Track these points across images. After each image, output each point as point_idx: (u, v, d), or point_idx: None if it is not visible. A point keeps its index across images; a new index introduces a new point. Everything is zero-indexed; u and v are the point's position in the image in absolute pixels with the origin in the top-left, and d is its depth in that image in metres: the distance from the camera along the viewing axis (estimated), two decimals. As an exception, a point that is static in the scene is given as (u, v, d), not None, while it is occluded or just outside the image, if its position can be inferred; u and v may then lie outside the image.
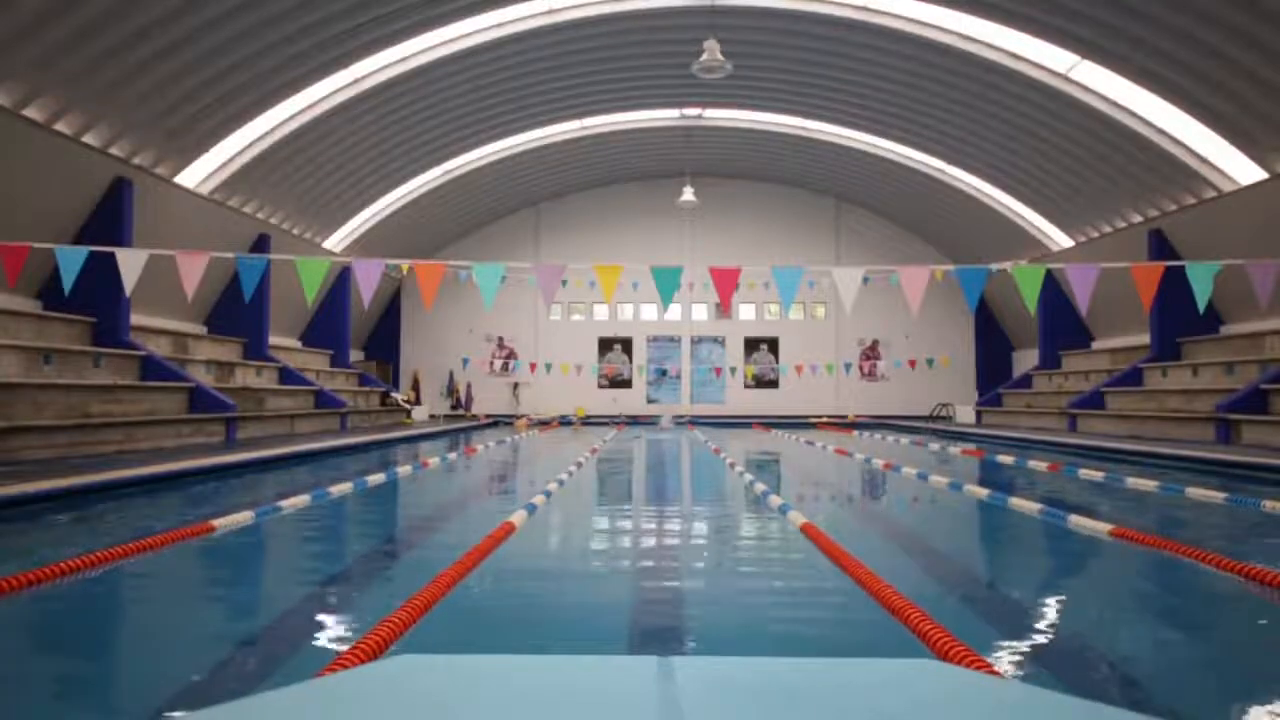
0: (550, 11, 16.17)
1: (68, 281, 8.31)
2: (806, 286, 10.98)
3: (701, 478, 11.30)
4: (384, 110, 17.64)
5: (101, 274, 9.32)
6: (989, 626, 3.79)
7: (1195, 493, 8.00)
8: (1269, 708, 2.85)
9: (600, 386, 28.08)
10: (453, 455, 13.85)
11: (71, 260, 8.30)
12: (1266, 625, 4.01)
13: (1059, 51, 15.31)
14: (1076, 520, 6.28)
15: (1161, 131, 15.90)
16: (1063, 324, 22.04)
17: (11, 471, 8.20)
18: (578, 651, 3.40)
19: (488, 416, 26.09)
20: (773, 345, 28.38)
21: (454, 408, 27.19)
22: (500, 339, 28.23)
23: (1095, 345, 21.90)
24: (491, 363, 27.72)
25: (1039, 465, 11.20)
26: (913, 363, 22.86)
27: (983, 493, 8.41)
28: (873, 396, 28.00)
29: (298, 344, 21.86)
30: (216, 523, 5.87)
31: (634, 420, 26.32)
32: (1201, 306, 9.17)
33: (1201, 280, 8.81)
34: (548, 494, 8.02)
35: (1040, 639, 3.60)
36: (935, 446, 15.64)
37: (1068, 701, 1.89)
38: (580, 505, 8.38)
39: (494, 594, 4.46)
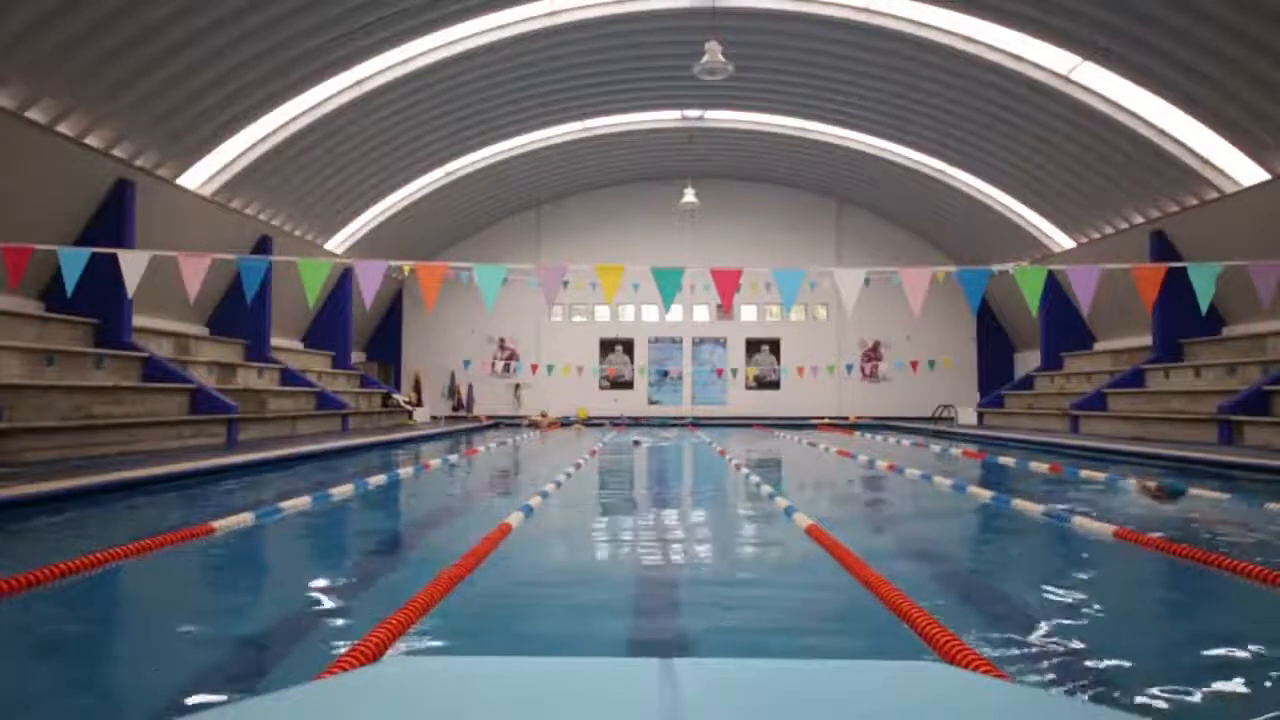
0: (552, 13, 16.18)
1: (70, 283, 8.32)
2: (808, 288, 10.88)
3: (705, 478, 11.29)
4: (386, 112, 17.65)
5: (104, 276, 9.33)
6: (992, 628, 3.78)
7: (1198, 494, 7.98)
8: (1271, 710, 2.84)
9: (602, 388, 28.08)
10: (453, 456, 13.85)
11: (74, 262, 8.31)
12: (1268, 625, 4.00)
13: (1060, 53, 15.31)
14: (1079, 521, 6.27)
15: (1163, 132, 15.89)
16: (1064, 325, 22.00)
17: (14, 473, 8.20)
18: (579, 653, 3.39)
19: (489, 418, 26.10)
20: (774, 346, 28.36)
21: (455, 409, 27.19)
22: (502, 340, 28.23)
23: (1097, 346, 21.87)
24: (493, 364, 27.72)
25: (1041, 466, 11.18)
26: (914, 364, 22.83)
27: (985, 494, 8.40)
28: (874, 398, 27.97)
29: (299, 345, 21.87)
30: (217, 524, 5.87)
31: (635, 421, 26.32)
32: (1204, 308, 9.15)
33: (1203, 281, 8.80)
34: (545, 495, 8.01)
35: (1044, 640, 3.59)
36: (937, 448, 15.62)
37: (1070, 703, 1.88)
38: (579, 507, 8.37)
39: (492, 595, 4.45)
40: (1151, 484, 7.57)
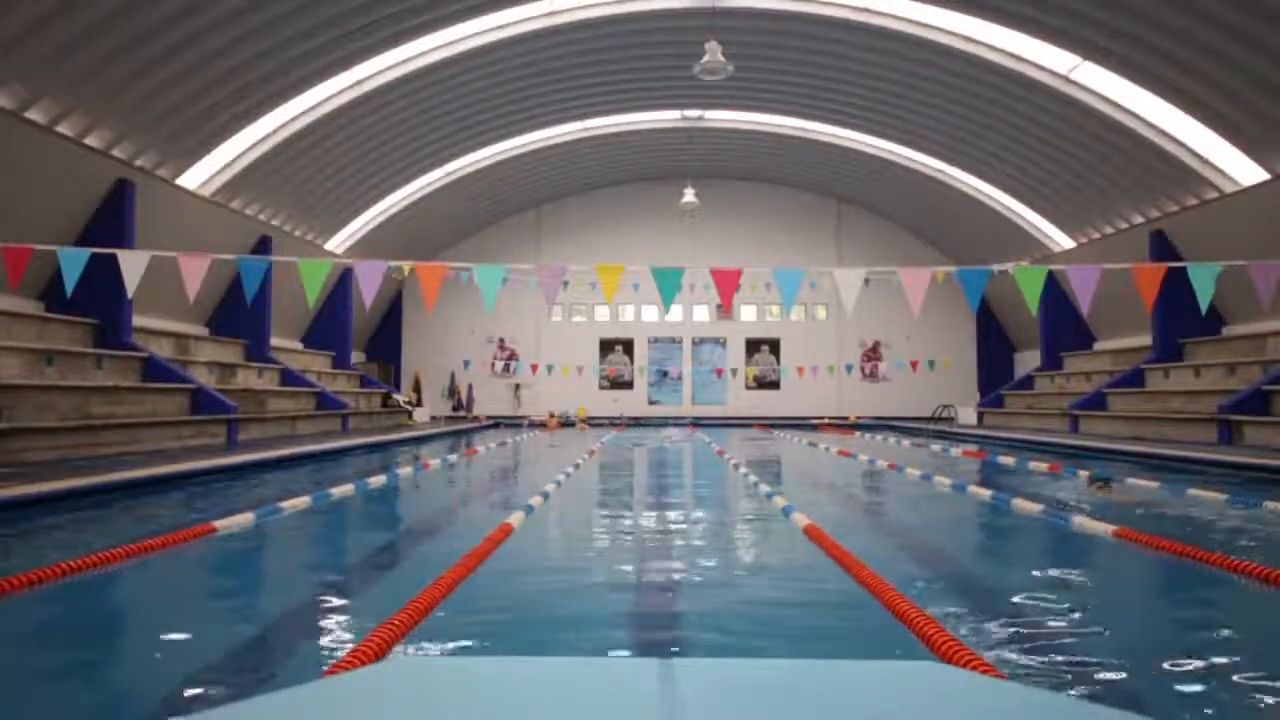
0: (552, 13, 16.19)
1: (70, 283, 8.32)
2: (808, 287, 10.89)
3: (703, 478, 11.29)
4: (386, 112, 17.65)
5: (104, 276, 9.33)
6: (991, 628, 3.79)
7: (1197, 493, 7.99)
8: (1271, 708, 2.84)
9: (601, 388, 28.09)
10: (453, 457, 13.85)
11: (74, 262, 8.31)
12: (1266, 624, 4.01)
13: (1060, 53, 15.31)
14: (1079, 521, 6.27)
15: (1163, 132, 15.89)
16: (1064, 325, 22.01)
17: (14, 473, 8.21)
18: (578, 652, 3.40)
19: (488, 418, 26.12)
20: (774, 346, 28.37)
21: (455, 409, 27.20)
22: (502, 340, 28.23)
23: (1097, 346, 21.87)
24: (493, 364, 27.73)
25: (1040, 466, 11.19)
26: (914, 364, 22.83)
27: (985, 494, 8.41)
28: (874, 397, 27.98)
29: (299, 346, 21.87)
30: (218, 524, 5.87)
31: (635, 421, 26.33)
32: (1203, 308, 9.16)
33: (1203, 281, 8.80)
34: (545, 495, 8.01)
35: (1043, 640, 3.60)
36: (936, 448, 15.62)
37: (1069, 703, 1.89)
38: (579, 507, 8.37)
39: (494, 596, 4.45)
40: (1093, 480, 8.51)
